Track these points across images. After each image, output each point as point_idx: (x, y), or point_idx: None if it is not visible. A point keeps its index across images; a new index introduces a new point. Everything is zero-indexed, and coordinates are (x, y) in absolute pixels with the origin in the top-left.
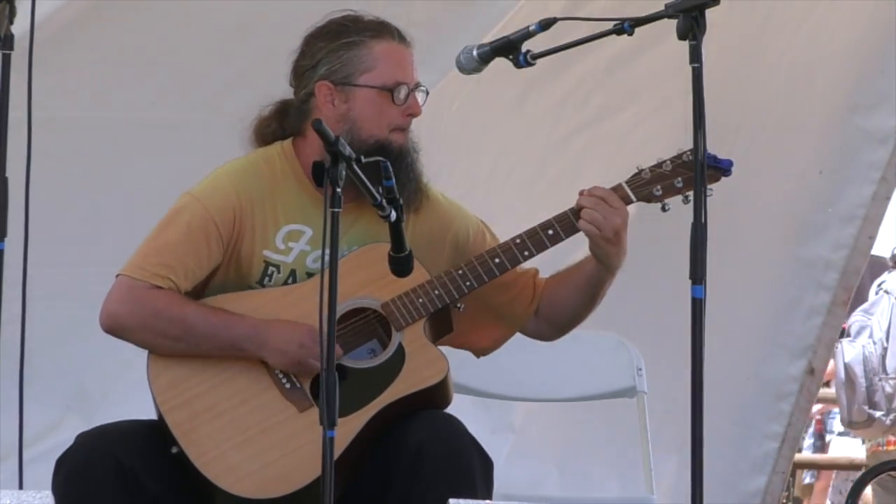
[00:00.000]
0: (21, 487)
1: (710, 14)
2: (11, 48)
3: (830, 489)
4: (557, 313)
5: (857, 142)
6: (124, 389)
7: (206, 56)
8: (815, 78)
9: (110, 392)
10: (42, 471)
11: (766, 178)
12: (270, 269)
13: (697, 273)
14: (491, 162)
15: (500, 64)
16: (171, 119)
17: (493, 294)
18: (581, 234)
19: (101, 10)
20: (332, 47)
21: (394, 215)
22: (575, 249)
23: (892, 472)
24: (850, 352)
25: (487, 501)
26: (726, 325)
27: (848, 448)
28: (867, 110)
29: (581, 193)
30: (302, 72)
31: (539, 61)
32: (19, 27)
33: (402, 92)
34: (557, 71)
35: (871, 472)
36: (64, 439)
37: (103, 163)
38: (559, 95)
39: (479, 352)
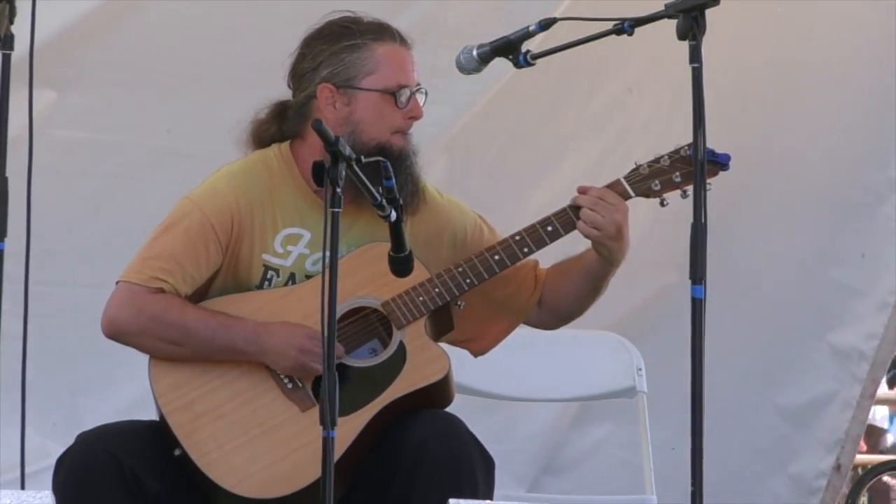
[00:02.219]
0: (23, 488)
1: (751, 88)
2: (12, 48)
3: None
4: (560, 304)
5: (894, 224)
6: (115, 409)
7: (225, 88)
8: (859, 151)
9: (100, 412)
10: (30, 486)
11: (810, 258)
12: (270, 273)
13: (697, 273)
14: (528, 221)
15: (536, 120)
16: (184, 148)
17: (494, 288)
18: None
19: (124, 32)
20: (333, 49)
21: (394, 215)
22: (576, 243)
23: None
24: None
25: (488, 501)
26: (769, 413)
27: None
28: None
29: (580, 191)
30: (302, 74)
31: (575, 121)
32: (22, 32)
33: (405, 95)
34: (594, 129)
35: (871, 472)
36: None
37: (113, 186)
38: (597, 153)
39: (478, 352)
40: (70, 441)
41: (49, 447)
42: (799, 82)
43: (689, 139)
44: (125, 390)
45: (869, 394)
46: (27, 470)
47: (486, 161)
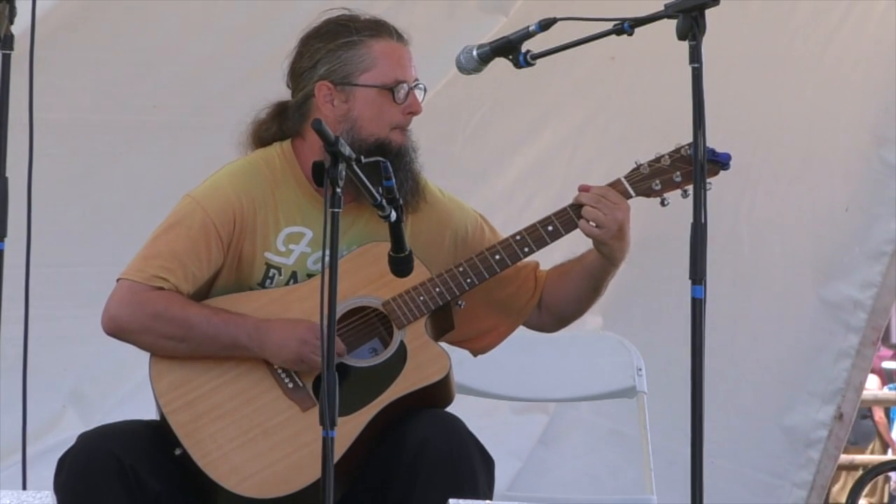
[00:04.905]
0: (24, 487)
1: (731, 51)
2: (11, 48)
3: None
4: (560, 305)
5: (883, 176)
6: (122, 391)
7: (209, 60)
8: (839, 110)
9: (108, 393)
10: (39, 470)
11: (791, 216)
12: (272, 271)
13: (697, 273)
14: (509, 187)
15: (519, 88)
16: (172, 122)
17: (494, 289)
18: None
19: (104, 10)
20: (330, 47)
21: (394, 215)
22: (577, 243)
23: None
24: None
25: (488, 501)
26: (754, 370)
27: None
28: (892, 144)
29: (580, 190)
30: (300, 73)
31: (558, 89)
32: (20, 26)
33: (402, 90)
34: (576, 97)
35: (871, 472)
36: (62, 440)
37: (103, 165)
38: (579, 120)
39: (478, 350)
40: (84, 414)
41: (68, 420)
42: (782, 43)
43: (669, 108)
44: (130, 365)
45: (871, 342)
46: (46, 444)
47: (468, 127)
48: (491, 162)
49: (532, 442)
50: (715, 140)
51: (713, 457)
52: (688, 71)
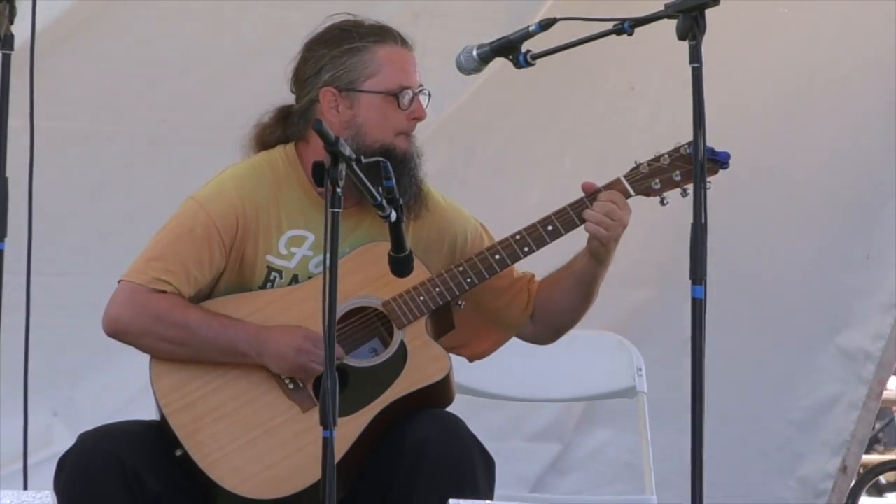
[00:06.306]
0: (25, 488)
1: (761, 88)
2: (12, 48)
3: None
4: (553, 315)
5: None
6: (116, 401)
7: (219, 76)
8: (862, 149)
9: (100, 403)
10: (33, 478)
11: (814, 259)
12: (273, 274)
13: (697, 273)
14: (527, 216)
15: (538, 116)
16: (179, 137)
17: (489, 299)
18: (579, 231)
19: (114, 22)
20: (334, 53)
21: (394, 215)
22: (577, 244)
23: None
24: None
25: (488, 502)
26: (774, 416)
27: None
28: None
29: (584, 188)
30: (304, 79)
31: (577, 117)
32: (23, 32)
33: (407, 96)
34: (596, 126)
35: (871, 472)
36: (53, 452)
37: (107, 176)
38: (598, 150)
39: (473, 357)
40: (74, 428)
41: (56, 432)
42: (803, 84)
43: (689, 138)
44: (126, 378)
45: (875, 395)
46: (41, 455)
47: (486, 156)
48: (508, 190)
49: (542, 469)
50: (738, 180)
51: (728, 497)
52: (709, 101)
